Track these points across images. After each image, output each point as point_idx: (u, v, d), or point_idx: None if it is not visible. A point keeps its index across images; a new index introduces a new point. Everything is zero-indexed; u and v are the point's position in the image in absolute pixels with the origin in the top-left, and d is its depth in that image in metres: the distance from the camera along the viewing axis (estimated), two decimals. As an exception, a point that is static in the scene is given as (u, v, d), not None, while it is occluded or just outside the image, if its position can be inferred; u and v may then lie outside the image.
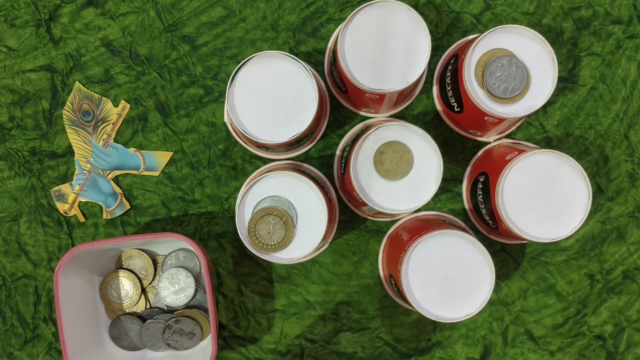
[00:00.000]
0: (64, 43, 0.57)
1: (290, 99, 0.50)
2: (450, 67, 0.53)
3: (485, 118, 0.51)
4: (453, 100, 0.53)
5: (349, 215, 0.57)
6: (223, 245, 0.57)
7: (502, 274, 0.57)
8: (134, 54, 0.57)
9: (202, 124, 0.57)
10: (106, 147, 0.57)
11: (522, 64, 0.49)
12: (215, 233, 0.57)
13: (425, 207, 0.57)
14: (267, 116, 0.50)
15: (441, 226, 0.50)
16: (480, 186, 0.53)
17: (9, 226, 0.57)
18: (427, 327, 0.57)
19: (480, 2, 0.57)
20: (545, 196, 0.49)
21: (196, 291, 0.56)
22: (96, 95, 0.57)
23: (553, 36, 0.57)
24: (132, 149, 0.57)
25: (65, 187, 0.57)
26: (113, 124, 0.57)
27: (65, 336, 0.51)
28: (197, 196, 0.57)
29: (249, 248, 0.49)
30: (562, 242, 0.57)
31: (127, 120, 0.57)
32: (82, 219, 0.57)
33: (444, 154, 0.57)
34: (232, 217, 0.57)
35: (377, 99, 0.51)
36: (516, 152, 0.50)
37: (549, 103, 0.57)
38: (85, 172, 0.57)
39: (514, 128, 0.57)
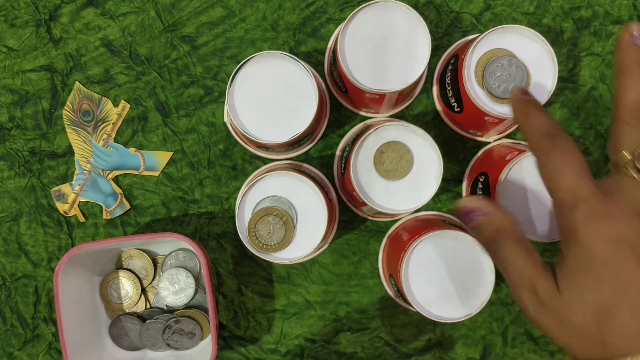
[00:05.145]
0: (64, 43, 0.57)
1: (290, 99, 0.50)
2: (450, 67, 0.53)
3: (485, 118, 0.51)
4: (453, 100, 0.53)
5: (349, 215, 0.57)
6: (223, 245, 0.57)
7: (502, 274, 0.57)
8: (134, 54, 0.57)
9: (202, 124, 0.57)
10: (106, 147, 0.57)
11: (522, 64, 0.49)
12: (215, 233, 0.57)
13: (425, 207, 0.57)
14: (267, 116, 0.50)
15: (441, 226, 0.50)
16: (480, 186, 0.53)
17: (9, 226, 0.57)
18: (427, 327, 0.57)
19: (480, 2, 0.57)
20: (546, 196, 0.49)
21: (196, 291, 0.56)
22: (96, 95, 0.57)
23: (553, 36, 0.57)
24: (132, 149, 0.57)
25: (65, 187, 0.57)
26: (113, 124, 0.57)
27: (65, 336, 0.51)
28: (197, 196, 0.57)
29: (249, 248, 0.49)
30: (562, 242, 0.57)
31: (127, 120, 0.57)
32: (82, 219, 0.57)
33: (444, 154, 0.57)
34: (232, 217, 0.57)
35: (377, 99, 0.51)
36: (516, 152, 0.50)
37: (549, 103, 0.57)
38: (85, 172, 0.57)
39: (514, 128, 0.57)
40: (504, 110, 0.50)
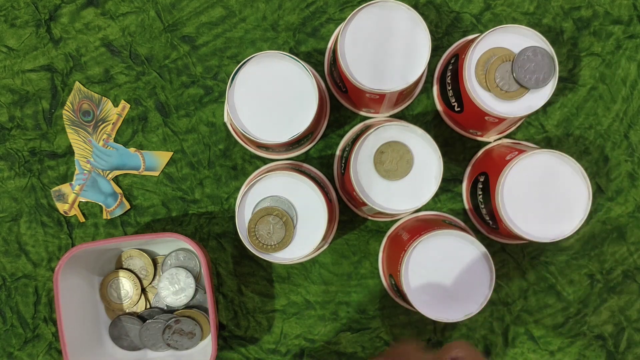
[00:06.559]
0: (64, 43, 0.57)
1: (290, 99, 0.50)
2: (450, 67, 0.53)
3: (486, 118, 0.51)
4: (453, 100, 0.53)
5: (349, 215, 0.57)
6: (223, 245, 0.57)
7: (502, 274, 0.57)
8: (134, 54, 0.57)
9: (202, 124, 0.57)
10: (106, 147, 0.57)
11: (546, 51, 0.48)
12: (215, 233, 0.57)
13: (425, 207, 0.57)
14: (267, 116, 0.50)
15: (441, 226, 0.50)
16: (480, 186, 0.53)
17: (9, 226, 0.57)
18: (427, 327, 0.57)
19: (480, 2, 0.57)
20: (545, 196, 0.49)
21: (196, 291, 0.56)
22: (96, 95, 0.57)
23: (553, 36, 0.57)
24: (132, 149, 0.57)
25: (65, 187, 0.57)
26: (113, 124, 0.57)
27: (65, 336, 0.51)
28: (197, 196, 0.57)
29: (249, 248, 0.49)
30: (562, 242, 0.57)
31: (127, 120, 0.57)
32: (82, 219, 0.57)
33: (444, 154, 0.57)
34: (232, 217, 0.57)
35: (377, 99, 0.51)
36: (516, 152, 0.50)
37: (549, 103, 0.57)
38: (85, 172, 0.57)
39: (514, 128, 0.57)
40: (504, 110, 0.50)
